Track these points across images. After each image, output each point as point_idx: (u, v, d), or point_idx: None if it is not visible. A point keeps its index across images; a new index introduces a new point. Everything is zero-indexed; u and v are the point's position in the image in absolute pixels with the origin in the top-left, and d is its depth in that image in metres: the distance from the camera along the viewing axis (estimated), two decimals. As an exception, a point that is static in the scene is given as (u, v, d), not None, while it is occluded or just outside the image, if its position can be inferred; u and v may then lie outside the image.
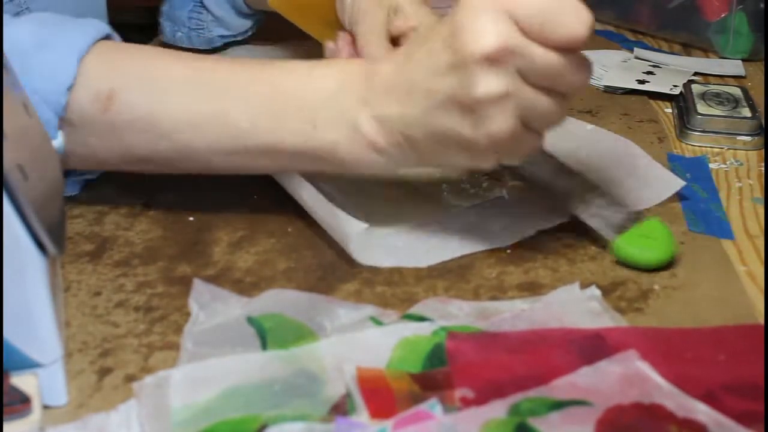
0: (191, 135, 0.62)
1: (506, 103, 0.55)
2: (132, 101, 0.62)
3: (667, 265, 0.62)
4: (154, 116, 0.62)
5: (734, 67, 1.00)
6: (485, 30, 0.55)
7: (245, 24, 0.97)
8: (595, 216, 0.64)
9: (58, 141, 0.62)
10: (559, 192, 0.66)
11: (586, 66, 0.58)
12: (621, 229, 0.63)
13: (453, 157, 0.59)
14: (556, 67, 0.56)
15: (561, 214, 0.68)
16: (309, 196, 0.66)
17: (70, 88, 0.61)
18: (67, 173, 0.67)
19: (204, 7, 0.96)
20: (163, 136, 0.63)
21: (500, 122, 0.56)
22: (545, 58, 0.55)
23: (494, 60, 0.55)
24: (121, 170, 0.66)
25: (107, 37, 0.65)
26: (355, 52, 0.76)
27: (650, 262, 0.62)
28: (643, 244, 0.62)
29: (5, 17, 0.62)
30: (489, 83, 0.55)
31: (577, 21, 0.55)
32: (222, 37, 0.97)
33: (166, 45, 1.01)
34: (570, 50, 0.56)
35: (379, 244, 0.64)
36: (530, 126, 0.58)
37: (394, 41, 0.76)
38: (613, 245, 0.62)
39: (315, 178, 0.67)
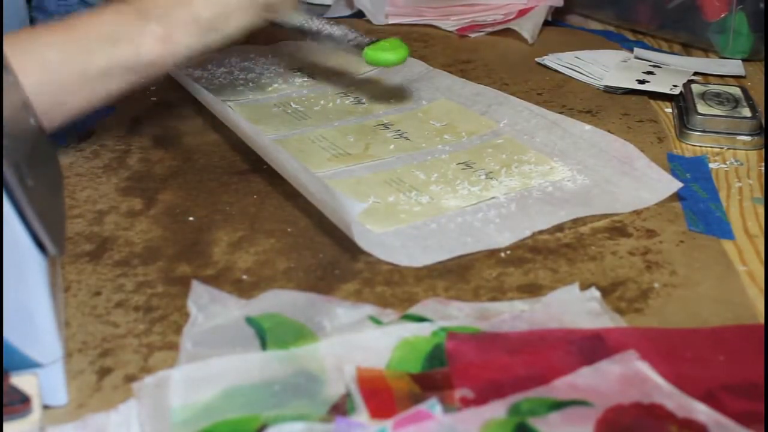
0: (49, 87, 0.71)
1: None
2: None
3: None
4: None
5: (734, 67, 1.00)
6: None
7: None
8: (343, 41, 0.84)
9: None
10: (323, 34, 0.86)
11: None
12: (368, 43, 0.83)
13: (235, 22, 0.76)
14: None
15: (556, 216, 0.69)
16: (310, 181, 0.66)
17: None
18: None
19: None
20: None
21: None
22: None
23: None
24: None
25: None
26: None
27: (389, 61, 0.83)
28: (386, 49, 0.83)
29: None
30: None
31: None
32: None
33: None
34: None
35: (378, 244, 0.65)
36: None
37: None
38: (364, 53, 0.83)
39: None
